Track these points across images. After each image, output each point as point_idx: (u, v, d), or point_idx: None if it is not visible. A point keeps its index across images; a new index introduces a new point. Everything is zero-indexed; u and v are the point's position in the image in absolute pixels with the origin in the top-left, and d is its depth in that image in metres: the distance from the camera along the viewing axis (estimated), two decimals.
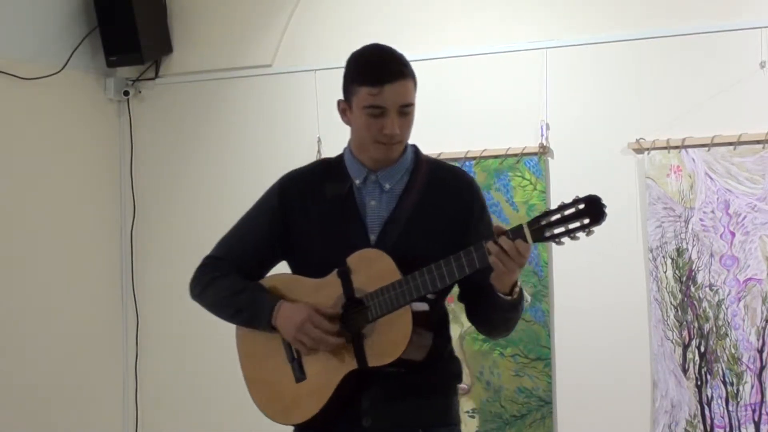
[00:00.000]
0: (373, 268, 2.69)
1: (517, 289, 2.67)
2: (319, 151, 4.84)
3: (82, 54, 5.13)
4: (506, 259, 2.56)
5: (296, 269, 2.88)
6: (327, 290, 2.74)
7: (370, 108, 2.70)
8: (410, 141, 2.87)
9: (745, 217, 4.16)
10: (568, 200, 2.54)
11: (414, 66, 2.80)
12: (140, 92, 5.33)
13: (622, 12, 4.44)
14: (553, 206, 2.57)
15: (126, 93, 5.28)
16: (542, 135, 4.51)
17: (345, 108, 2.79)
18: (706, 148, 4.21)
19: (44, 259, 4.95)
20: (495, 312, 2.72)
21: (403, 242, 2.73)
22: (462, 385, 4.57)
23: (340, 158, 2.87)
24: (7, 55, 4.80)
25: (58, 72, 5.00)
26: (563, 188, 4.47)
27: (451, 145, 4.61)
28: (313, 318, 2.71)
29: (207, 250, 5.40)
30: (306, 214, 2.82)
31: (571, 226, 2.52)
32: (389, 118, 2.70)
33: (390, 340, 2.65)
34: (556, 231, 2.53)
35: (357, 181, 2.81)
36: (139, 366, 5.27)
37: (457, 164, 4.53)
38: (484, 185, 4.54)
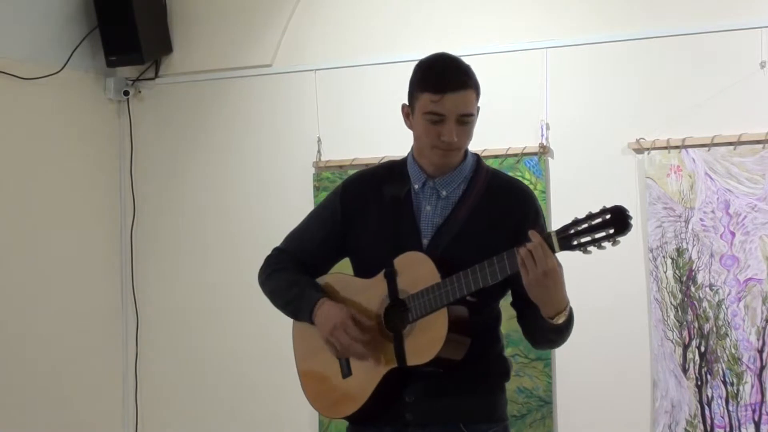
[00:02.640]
0: (416, 271, 2.77)
1: (563, 316, 2.69)
2: (319, 152, 4.83)
3: (82, 54, 5.13)
4: (531, 265, 2.59)
5: (354, 267, 2.97)
6: (374, 290, 2.84)
7: (429, 114, 2.77)
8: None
9: (745, 217, 4.16)
10: (595, 210, 2.58)
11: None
12: (140, 92, 5.33)
13: (622, 12, 4.44)
14: (581, 216, 2.61)
15: (126, 93, 5.28)
16: (542, 135, 4.51)
17: (408, 112, 2.86)
18: (706, 148, 4.22)
19: (44, 258, 4.95)
20: (537, 329, 2.80)
21: (453, 249, 2.79)
22: None
23: (403, 161, 2.94)
24: (7, 55, 4.80)
25: (58, 72, 4.99)
26: (563, 188, 4.47)
27: None
28: (347, 324, 2.80)
29: (207, 249, 5.38)
30: (365, 215, 2.91)
31: (598, 235, 2.58)
32: (447, 125, 2.77)
33: (427, 340, 2.73)
34: (583, 240, 2.59)
35: (416, 186, 2.87)
36: (139, 366, 5.27)
37: None
38: None
